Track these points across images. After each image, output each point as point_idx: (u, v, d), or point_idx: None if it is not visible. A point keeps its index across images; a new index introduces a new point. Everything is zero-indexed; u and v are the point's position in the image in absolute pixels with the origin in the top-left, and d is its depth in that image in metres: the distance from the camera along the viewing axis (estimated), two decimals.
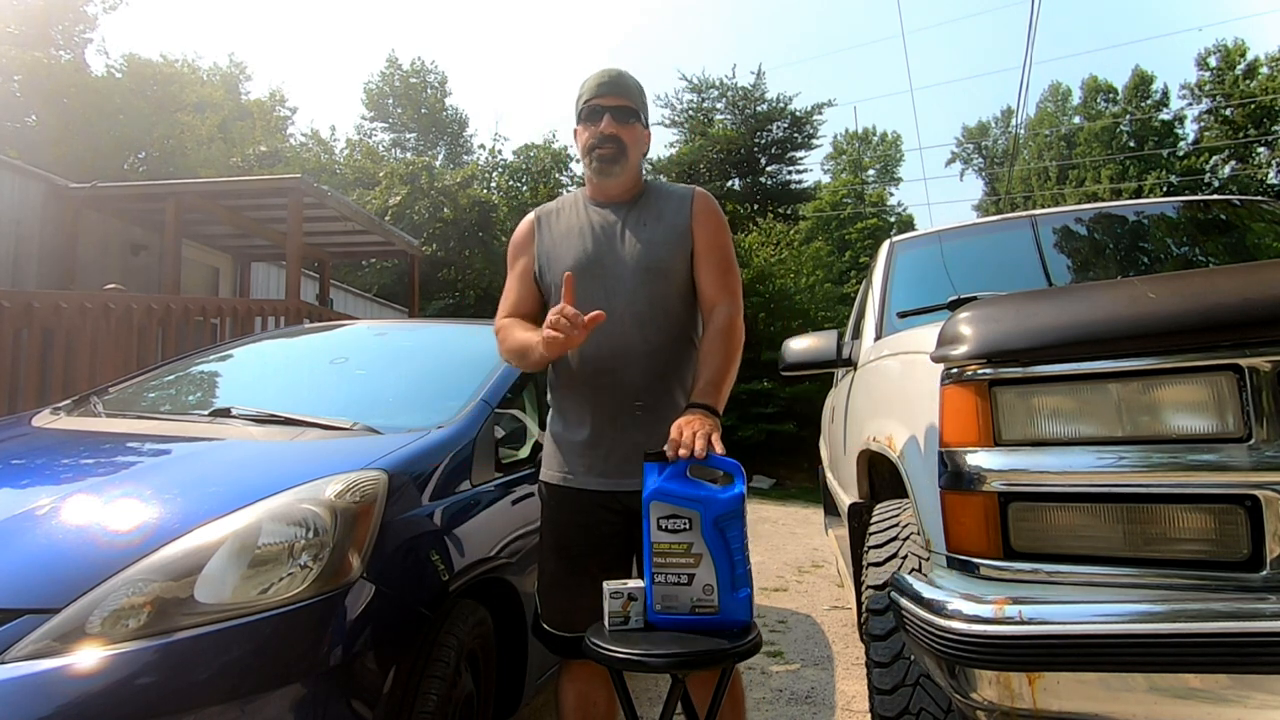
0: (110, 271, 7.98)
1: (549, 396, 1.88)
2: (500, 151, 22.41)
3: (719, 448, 1.48)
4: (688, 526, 1.44)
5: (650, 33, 69.96)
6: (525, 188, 20.59)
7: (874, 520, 1.92)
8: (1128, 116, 31.54)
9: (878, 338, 2.49)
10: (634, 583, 1.51)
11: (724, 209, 1.96)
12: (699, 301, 1.82)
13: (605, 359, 1.71)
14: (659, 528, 1.45)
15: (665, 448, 1.49)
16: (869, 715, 1.82)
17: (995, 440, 1.33)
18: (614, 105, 1.76)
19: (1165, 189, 27.70)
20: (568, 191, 2.43)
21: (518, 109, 66.50)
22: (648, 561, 1.46)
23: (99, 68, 19.25)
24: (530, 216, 1.93)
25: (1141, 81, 31.68)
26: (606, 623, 1.48)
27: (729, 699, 1.79)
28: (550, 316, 1.54)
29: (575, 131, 1.85)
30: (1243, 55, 29.14)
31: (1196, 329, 1.24)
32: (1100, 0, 55.95)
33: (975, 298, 1.75)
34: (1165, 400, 1.27)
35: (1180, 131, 31.02)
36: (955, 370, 1.39)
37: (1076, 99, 34.64)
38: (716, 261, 1.79)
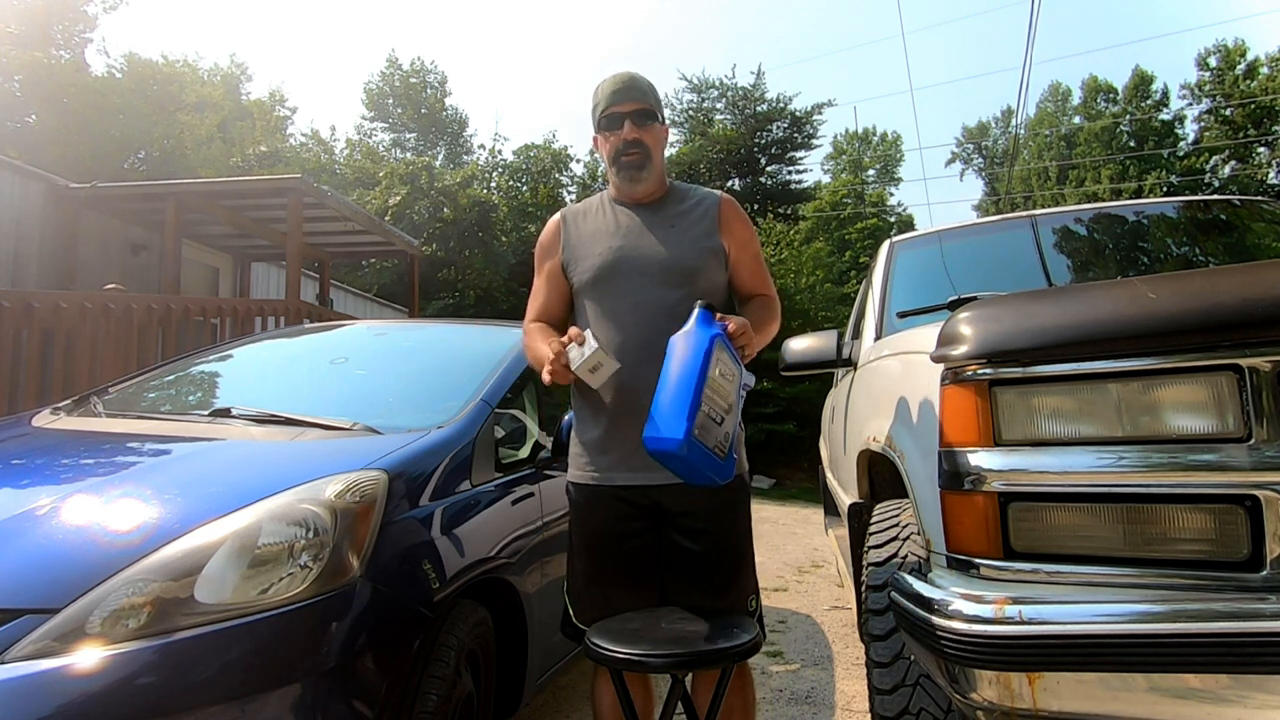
0: (110, 271, 7.97)
1: (573, 397, 1.87)
2: (500, 151, 22.43)
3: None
4: (732, 382, 1.56)
5: (650, 32, 70.02)
6: (525, 188, 20.58)
7: (874, 520, 1.92)
8: (1128, 116, 31.56)
9: (878, 338, 2.49)
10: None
11: None
12: (737, 299, 1.89)
13: (632, 354, 1.71)
14: (716, 371, 1.52)
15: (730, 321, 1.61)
16: (869, 715, 1.82)
17: (995, 440, 1.33)
18: (632, 110, 1.79)
19: (1165, 189, 27.70)
20: (569, 193, 2.45)
21: (518, 109, 66.50)
22: (700, 386, 1.47)
23: (99, 68, 19.27)
24: (556, 217, 1.95)
25: (1141, 81, 31.70)
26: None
27: (741, 700, 1.79)
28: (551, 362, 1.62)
29: (595, 140, 1.89)
30: (1243, 55, 29.15)
31: (1196, 329, 1.24)
32: (1100, 0, 55.94)
33: (975, 298, 1.75)
34: (1165, 400, 1.27)
35: (1180, 131, 31.06)
36: (955, 370, 1.39)
37: (1076, 99, 34.67)
38: (750, 265, 1.89)
